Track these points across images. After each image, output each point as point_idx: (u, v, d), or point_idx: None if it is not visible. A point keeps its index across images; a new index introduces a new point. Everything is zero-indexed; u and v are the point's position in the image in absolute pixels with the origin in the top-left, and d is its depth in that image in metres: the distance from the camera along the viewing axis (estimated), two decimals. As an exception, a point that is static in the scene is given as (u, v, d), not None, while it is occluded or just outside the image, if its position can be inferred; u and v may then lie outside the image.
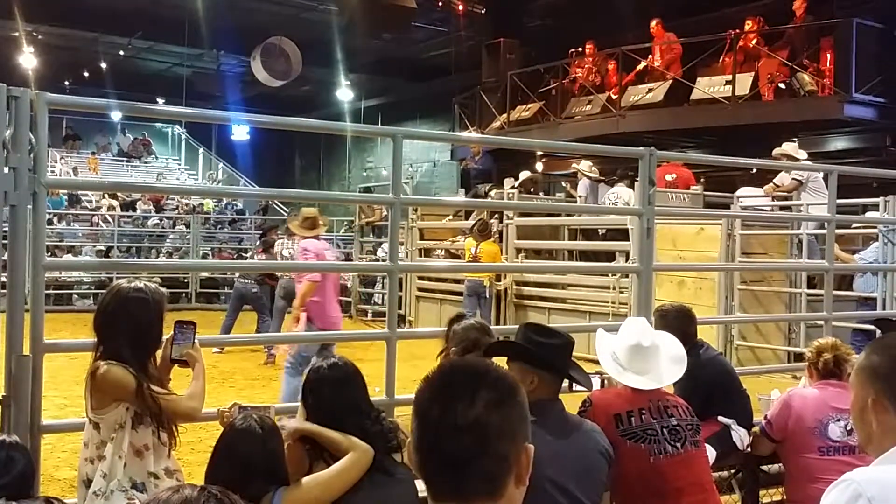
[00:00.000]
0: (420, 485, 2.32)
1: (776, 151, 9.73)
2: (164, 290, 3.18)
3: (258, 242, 12.87)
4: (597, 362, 3.46)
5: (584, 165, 12.44)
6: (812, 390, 4.05)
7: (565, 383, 3.15)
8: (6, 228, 3.26)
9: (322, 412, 2.91)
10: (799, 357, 8.69)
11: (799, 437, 3.90)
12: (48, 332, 3.41)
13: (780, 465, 4.28)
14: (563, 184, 15.14)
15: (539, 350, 3.01)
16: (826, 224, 6.32)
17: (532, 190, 13.59)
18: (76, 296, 15.91)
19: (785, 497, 4.12)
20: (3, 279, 3.28)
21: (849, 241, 9.61)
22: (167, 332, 3.14)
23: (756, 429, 4.25)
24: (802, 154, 10.10)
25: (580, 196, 12.52)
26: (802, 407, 3.93)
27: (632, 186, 10.33)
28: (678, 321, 4.20)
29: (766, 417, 4.15)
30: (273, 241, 11.47)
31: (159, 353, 3.12)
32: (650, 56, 14.65)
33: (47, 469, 4.78)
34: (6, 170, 3.17)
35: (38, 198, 3.29)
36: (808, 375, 4.19)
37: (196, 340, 3.17)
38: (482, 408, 1.40)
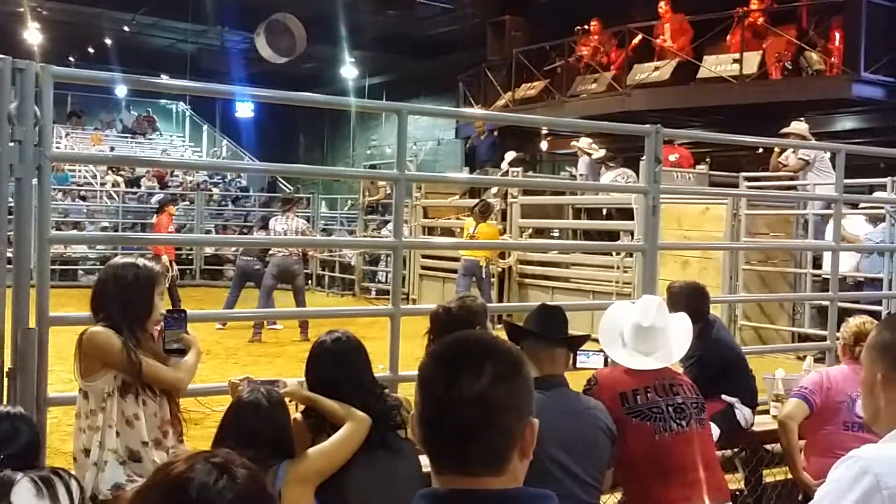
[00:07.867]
0: (424, 459, 2.33)
1: (786, 130, 9.64)
2: (160, 268, 3.25)
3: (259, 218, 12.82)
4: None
5: (584, 143, 12.08)
6: (843, 367, 4.08)
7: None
8: (11, 203, 3.26)
9: (324, 386, 2.91)
10: (803, 338, 8.71)
11: (826, 412, 3.94)
12: (54, 306, 3.42)
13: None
14: (568, 169, 15.04)
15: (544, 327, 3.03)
16: (833, 204, 6.29)
17: (525, 169, 13.44)
18: (81, 271, 15.95)
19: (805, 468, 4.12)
20: (10, 254, 3.28)
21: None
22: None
23: (788, 401, 4.16)
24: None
25: (581, 174, 12.34)
26: (832, 382, 3.98)
27: (634, 169, 10.23)
28: (688, 298, 4.18)
29: (804, 387, 4.07)
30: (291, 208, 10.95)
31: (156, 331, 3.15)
32: (660, 37, 14.47)
33: (53, 442, 4.77)
34: (11, 143, 3.17)
35: (43, 171, 3.29)
36: (841, 354, 4.21)
37: (187, 327, 3.19)
38: (487, 381, 1.39)
